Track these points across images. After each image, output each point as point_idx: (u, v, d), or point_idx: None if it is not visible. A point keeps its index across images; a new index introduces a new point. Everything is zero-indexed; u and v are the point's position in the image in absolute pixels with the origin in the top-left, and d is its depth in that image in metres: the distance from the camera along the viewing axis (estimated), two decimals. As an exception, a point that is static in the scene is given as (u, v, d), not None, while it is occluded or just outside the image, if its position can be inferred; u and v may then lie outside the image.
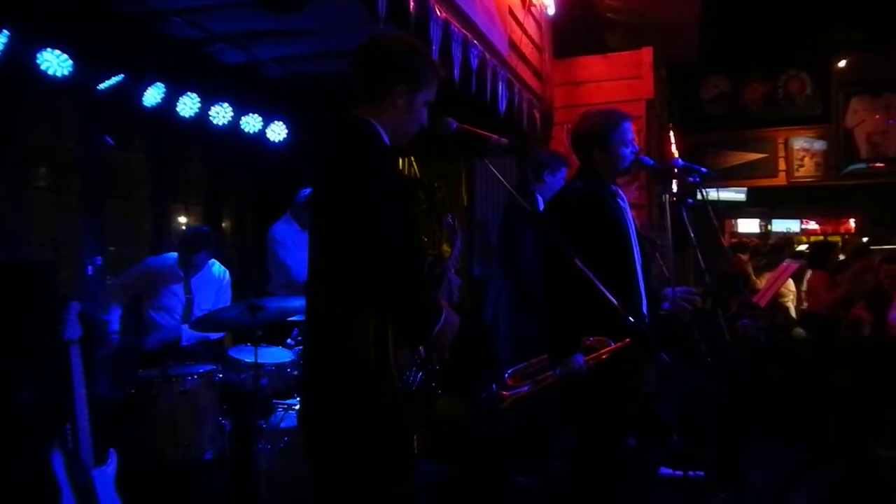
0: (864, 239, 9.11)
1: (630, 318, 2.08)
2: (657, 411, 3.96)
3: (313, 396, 1.95)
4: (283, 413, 3.52)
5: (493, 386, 2.30)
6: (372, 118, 1.95)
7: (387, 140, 1.97)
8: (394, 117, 1.97)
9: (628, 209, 2.87)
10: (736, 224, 12.89)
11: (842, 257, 6.97)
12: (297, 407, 3.61)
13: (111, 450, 3.06)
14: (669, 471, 3.81)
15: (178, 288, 4.12)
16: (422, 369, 1.95)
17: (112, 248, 5.02)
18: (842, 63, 9.41)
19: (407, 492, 1.92)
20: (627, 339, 2.27)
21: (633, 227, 2.83)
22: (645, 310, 2.75)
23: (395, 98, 1.95)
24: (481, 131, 2.18)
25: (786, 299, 6.70)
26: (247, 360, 3.67)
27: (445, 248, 3.32)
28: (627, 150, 2.82)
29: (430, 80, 2.02)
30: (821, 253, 6.54)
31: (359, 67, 1.99)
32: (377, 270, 1.74)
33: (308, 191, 4.56)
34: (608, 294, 2.08)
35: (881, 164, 9.26)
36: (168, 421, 3.36)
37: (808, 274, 6.53)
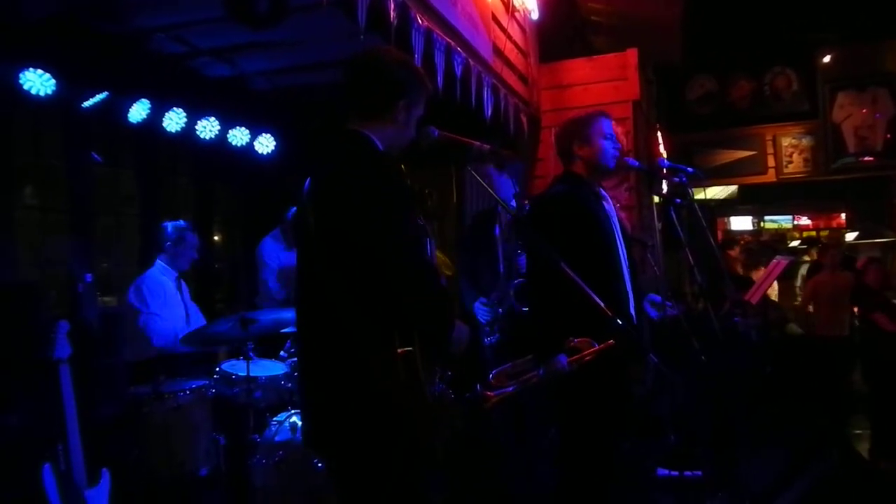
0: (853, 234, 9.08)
1: (617, 321, 2.08)
2: (652, 412, 3.95)
3: (336, 417, 1.86)
4: (276, 427, 3.50)
5: (478, 386, 2.29)
6: (369, 132, 1.96)
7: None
8: (391, 131, 1.99)
9: (613, 211, 2.88)
10: (729, 222, 12.91)
11: None
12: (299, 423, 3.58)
13: (104, 469, 3.04)
14: (666, 471, 3.81)
15: None
16: (441, 379, 1.96)
17: (103, 265, 5.00)
18: (826, 58, 9.42)
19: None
20: (611, 341, 2.27)
21: (619, 229, 2.84)
22: (633, 310, 2.76)
23: (397, 114, 1.98)
24: (463, 138, 2.19)
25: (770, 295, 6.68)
26: (239, 373, 3.64)
27: (439, 254, 3.31)
28: (608, 143, 2.82)
29: (424, 96, 2.07)
30: None
31: (357, 83, 2.00)
32: (410, 288, 1.74)
33: None
34: (595, 297, 2.08)
35: (870, 158, 9.26)
36: (161, 438, 3.33)
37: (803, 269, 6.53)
